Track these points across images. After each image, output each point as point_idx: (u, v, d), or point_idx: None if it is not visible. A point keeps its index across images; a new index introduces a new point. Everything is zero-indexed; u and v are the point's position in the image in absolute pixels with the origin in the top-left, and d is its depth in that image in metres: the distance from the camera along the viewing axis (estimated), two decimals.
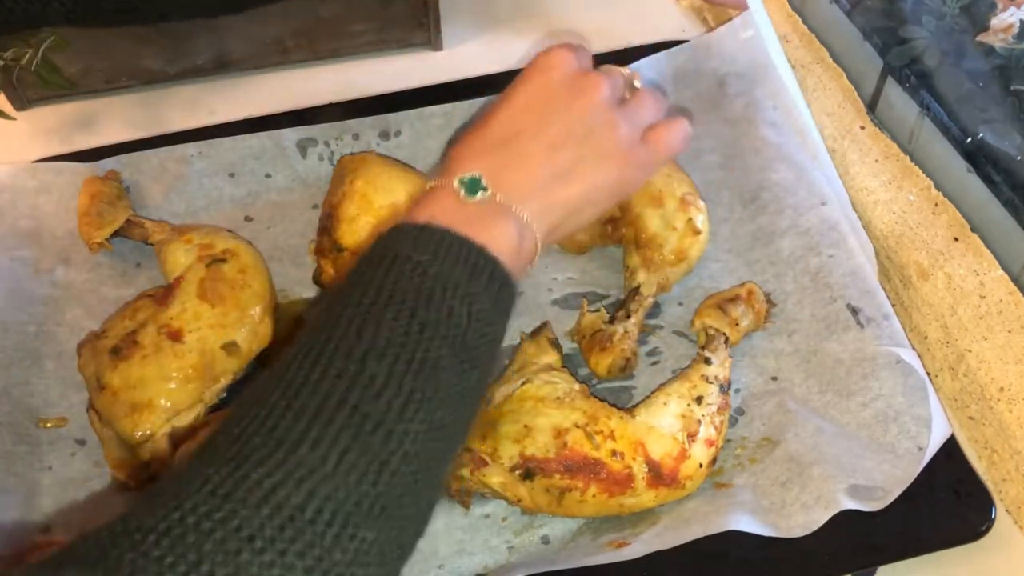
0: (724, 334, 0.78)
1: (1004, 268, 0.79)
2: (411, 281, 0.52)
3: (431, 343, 0.51)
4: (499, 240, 0.57)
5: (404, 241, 0.55)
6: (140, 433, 0.74)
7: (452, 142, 0.66)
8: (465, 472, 0.71)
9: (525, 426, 0.71)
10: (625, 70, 0.69)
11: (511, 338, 0.83)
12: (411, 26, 1.06)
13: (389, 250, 0.55)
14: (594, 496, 0.70)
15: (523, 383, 0.74)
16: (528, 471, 0.70)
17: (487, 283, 0.55)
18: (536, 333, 0.80)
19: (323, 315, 0.52)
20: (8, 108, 0.98)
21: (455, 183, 0.58)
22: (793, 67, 0.98)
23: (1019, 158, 0.79)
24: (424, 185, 0.60)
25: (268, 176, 0.95)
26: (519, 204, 0.59)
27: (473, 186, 0.58)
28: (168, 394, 0.75)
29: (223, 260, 0.81)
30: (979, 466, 0.75)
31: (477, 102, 0.96)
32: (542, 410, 0.72)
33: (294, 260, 0.90)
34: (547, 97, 0.62)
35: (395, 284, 0.52)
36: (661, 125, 0.67)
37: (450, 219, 0.56)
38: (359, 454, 0.46)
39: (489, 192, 0.58)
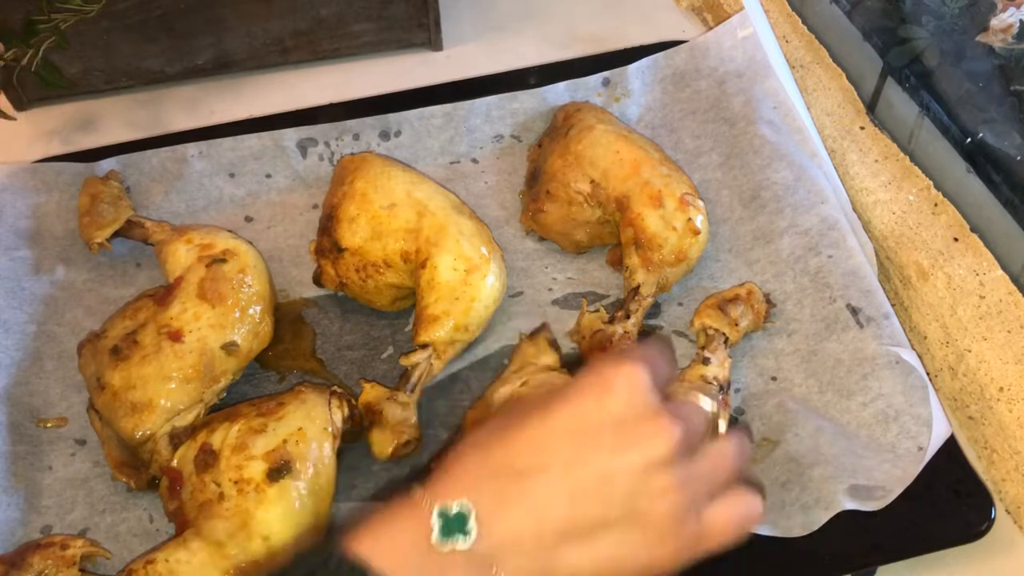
0: (723, 334, 0.78)
1: (1004, 268, 0.79)
2: None
3: None
4: None
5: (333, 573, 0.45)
6: (140, 433, 0.74)
7: (462, 432, 0.52)
8: None
9: None
10: (710, 405, 0.54)
11: (510, 339, 0.83)
12: (411, 26, 1.06)
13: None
14: None
15: (522, 384, 0.74)
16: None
17: None
18: (535, 334, 0.80)
19: None
20: (8, 108, 0.98)
21: (434, 513, 0.46)
22: (793, 67, 0.98)
23: (1019, 158, 0.79)
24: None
25: (268, 176, 0.95)
26: (504, 563, 0.46)
27: (454, 525, 0.46)
28: (168, 394, 0.75)
29: (223, 260, 0.81)
30: (979, 466, 0.75)
31: (477, 102, 0.96)
32: None
33: (294, 260, 0.91)
34: (594, 430, 0.48)
35: None
36: (725, 505, 0.51)
37: (399, 564, 0.45)
38: None
39: (471, 538, 0.45)
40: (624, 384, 0.48)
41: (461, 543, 0.45)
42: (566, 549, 0.47)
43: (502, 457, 0.48)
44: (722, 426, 0.52)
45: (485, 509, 0.46)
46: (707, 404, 0.52)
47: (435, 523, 0.46)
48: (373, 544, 0.46)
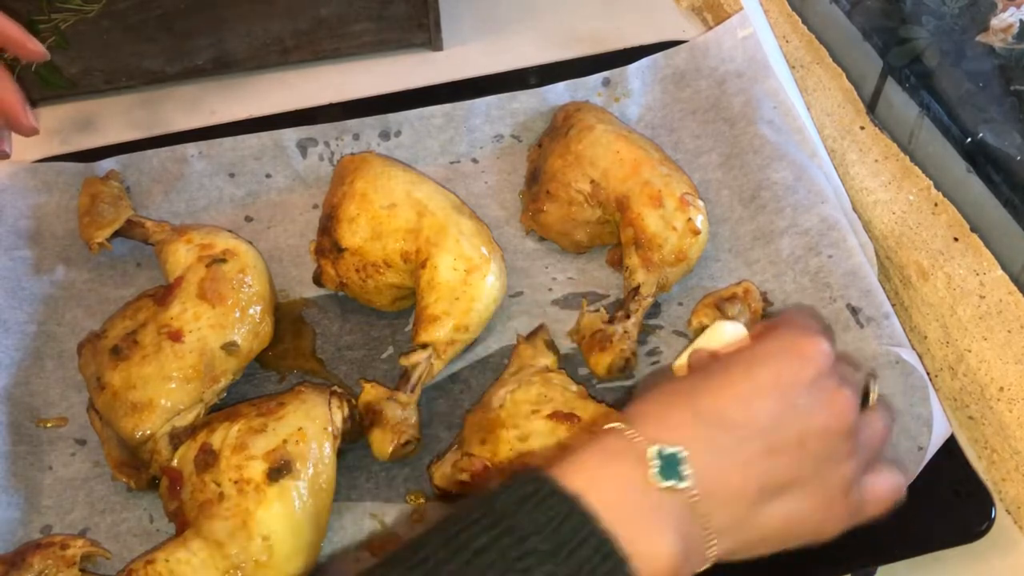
0: None
1: (1004, 268, 0.79)
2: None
3: None
4: (658, 559, 0.45)
5: (533, 509, 0.43)
6: (140, 433, 0.74)
7: (658, 378, 0.52)
8: (465, 477, 0.71)
9: (523, 430, 0.71)
10: (866, 377, 0.56)
11: (510, 339, 0.83)
12: (411, 26, 1.06)
13: (505, 513, 0.43)
14: None
15: (520, 386, 0.74)
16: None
17: None
18: (532, 336, 0.80)
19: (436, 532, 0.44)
20: None
21: (651, 452, 0.46)
22: (793, 67, 0.98)
23: (1019, 158, 0.79)
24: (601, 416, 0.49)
25: (268, 176, 0.95)
26: (712, 509, 0.47)
27: (672, 467, 0.46)
28: (168, 394, 0.75)
29: (223, 260, 0.81)
30: (979, 466, 0.75)
31: (477, 102, 0.96)
32: (540, 413, 0.72)
33: (294, 260, 0.91)
34: (793, 391, 0.50)
35: (488, 566, 0.42)
36: (881, 477, 0.54)
37: (614, 500, 0.45)
38: None
39: (687, 484, 0.46)
40: (817, 353, 0.51)
41: (678, 484, 0.46)
42: (762, 504, 0.49)
43: (711, 407, 0.49)
44: (874, 399, 0.56)
45: (698, 454, 0.47)
46: (865, 377, 0.56)
47: (654, 462, 0.46)
48: (588, 478, 0.45)
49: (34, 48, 0.77)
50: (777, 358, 0.51)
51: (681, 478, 0.47)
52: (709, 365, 0.53)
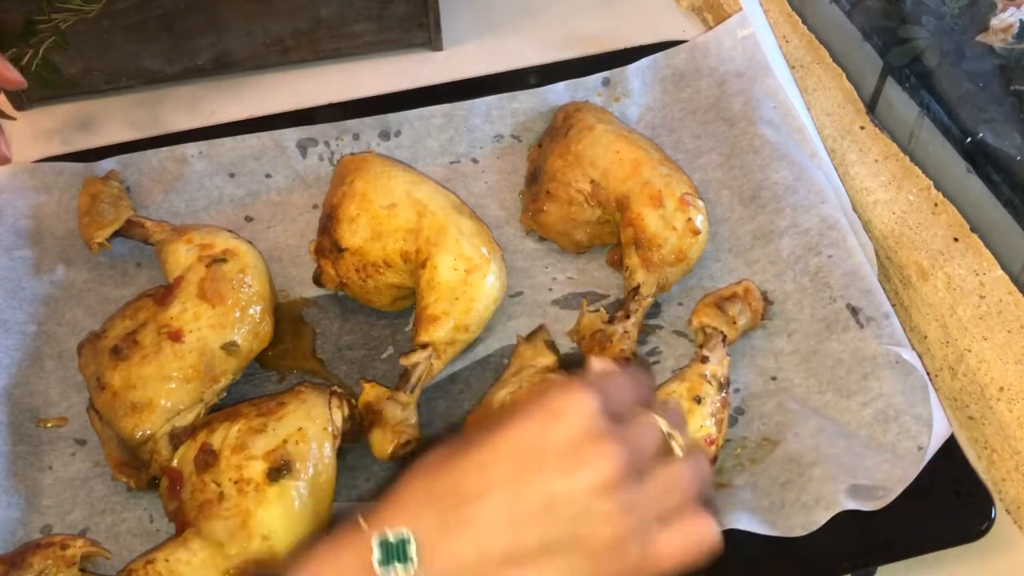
0: (722, 332, 0.78)
1: (1004, 268, 0.79)
2: None
3: None
4: None
5: None
6: (140, 433, 0.74)
7: (408, 467, 0.51)
8: None
9: None
10: (663, 424, 0.52)
11: (510, 339, 0.83)
12: (411, 26, 1.06)
13: None
14: None
15: (520, 387, 0.74)
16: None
17: None
18: (532, 336, 0.80)
19: None
20: (8, 108, 0.98)
21: (373, 539, 0.46)
22: (793, 67, 0.98)
23: (1019, 158, 0.79)
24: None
25: (268, 176, 0.95)
26: None
27: (394, 552, 0.46)
28: (168, 394, 0.75)
29: (223, 260, 0.81)
30: (979, 466, 0.75)
31: (477, 102, 0.96)
32: None
33: (294, 260, 0.91)
34: (538, 454, 0.47)
35: None
36: (675, 531, 0.50)
37: None
38: None
39: (413, 565, 0.46)
40: (572, 410, 0.48)
41: (402, 570, 0.45)
42: (508, 574, 0.47)
43: (446, 482, 0.48)
44: (677, 447, 0.51)
45: (427, 536, 0.46)
46: (662, 424, 0.51)
47: (375, 550, 0.46)
48: (317, 571, 0.46)
49: (11, 77, 0.77)
50: (525, 420, 0.48)
51: (406, 560, 0.46)
52: (463, 433, 0.52)
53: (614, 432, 0.48)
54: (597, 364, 0.53)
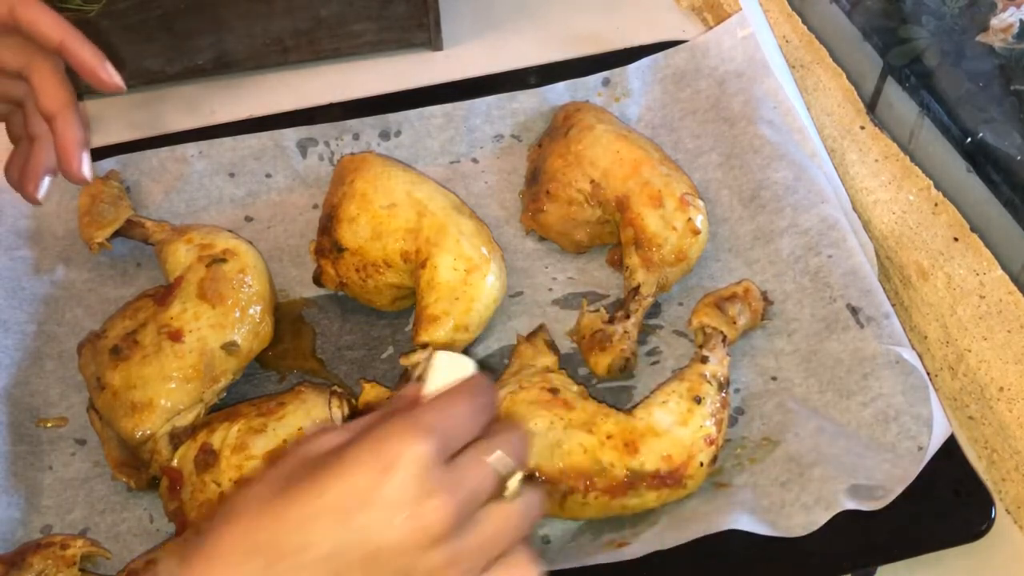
0: (722, 332, 0.78)
1: (1004, 268, 0.80)
2: None
3: None
4: None
5: None
6: (140, 433, 0.74)
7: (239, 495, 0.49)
8: None
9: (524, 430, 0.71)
10: (499, 463, 0.50)
11: (510, 339, 0.83)
12: (411, 26, 1.06)
13: None
14: (596, 498, 0.70)
15: (520, 386, 0.74)
16: (529, 475, 0.69)
17: None
18: (532, 336, 0.80)
19: None
20: None
21: None
22: (793, 67, 0.98)
23: (1019, 158, 0.79)
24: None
25: (268, 176, 0.95)
26: None
27: None
28: (168, 394, 0.75)
29: (223, 260, 0.81)
30: (979, 466, 0.75)
31: (477, 102, 0.96)
32: (540, 413, 0.72)
33: (294, 260, 0.91)
34: (364, 509, 0.45)
35: None
36: (502, 574, 0.49)
37: None
38: None
39: None
40: (403, 461, 0.46)
41: None
42: None
43: (266, 535, 0.45)
44: (512, 486, 0.50)
45: None
46: (497, 464, 0.49)
47: None
48: None
49: (107, 79, 0.70)
50: (354, 469, 0.46)
51: None
52: (283, 471, 0.48)
53: (445, 481, 0.47)
54: (438, 393, 0.51)
